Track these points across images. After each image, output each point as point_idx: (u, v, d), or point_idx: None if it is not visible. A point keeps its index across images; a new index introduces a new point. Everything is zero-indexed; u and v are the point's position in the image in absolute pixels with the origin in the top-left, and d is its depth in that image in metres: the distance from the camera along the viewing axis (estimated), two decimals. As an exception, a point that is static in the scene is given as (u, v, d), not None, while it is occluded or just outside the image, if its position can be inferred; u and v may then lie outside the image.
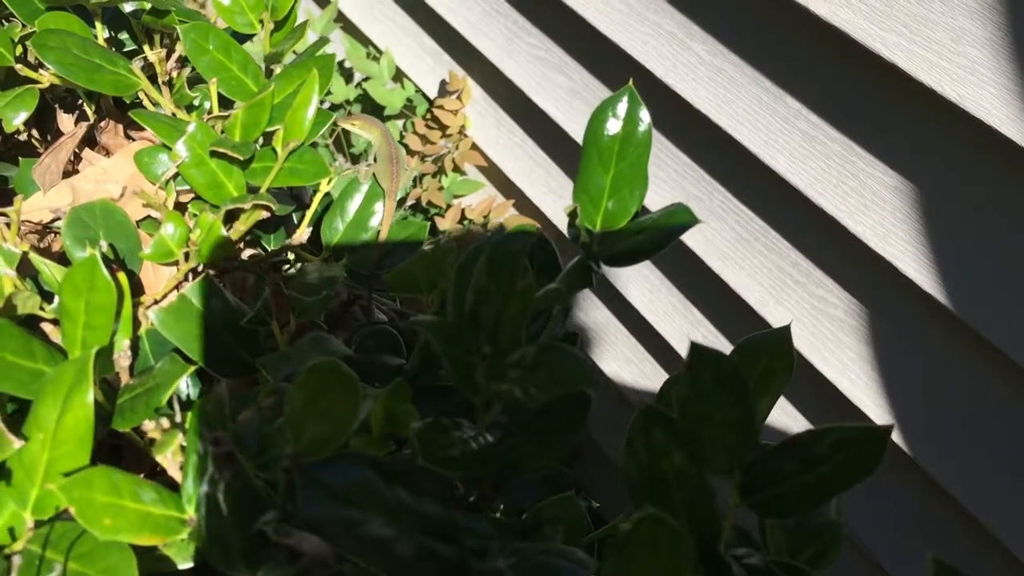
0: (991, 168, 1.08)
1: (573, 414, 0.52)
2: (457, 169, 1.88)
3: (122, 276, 0.58)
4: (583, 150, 0.63)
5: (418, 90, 1.95)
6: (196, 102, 0.72)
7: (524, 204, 1.76)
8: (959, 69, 1.07)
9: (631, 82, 0.62)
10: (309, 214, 0.72)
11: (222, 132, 0.67)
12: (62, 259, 0.70)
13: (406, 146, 1.87)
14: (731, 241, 1.38)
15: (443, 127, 1.86)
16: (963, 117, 1.05)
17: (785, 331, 0.65)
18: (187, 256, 0.63)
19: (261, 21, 0.72)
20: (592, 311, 1.63)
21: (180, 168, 0.65)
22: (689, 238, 1.40)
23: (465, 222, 1.85)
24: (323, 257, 0.72)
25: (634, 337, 1.58)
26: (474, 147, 1.86)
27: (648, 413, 0.49)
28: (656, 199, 1.44)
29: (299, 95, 0.65)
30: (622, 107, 0.62)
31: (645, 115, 0.62)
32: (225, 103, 0.72)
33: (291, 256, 0.72)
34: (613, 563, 0.38)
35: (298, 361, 0.58)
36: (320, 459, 0.50)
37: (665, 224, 0.61)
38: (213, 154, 0.65)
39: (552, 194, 1.70)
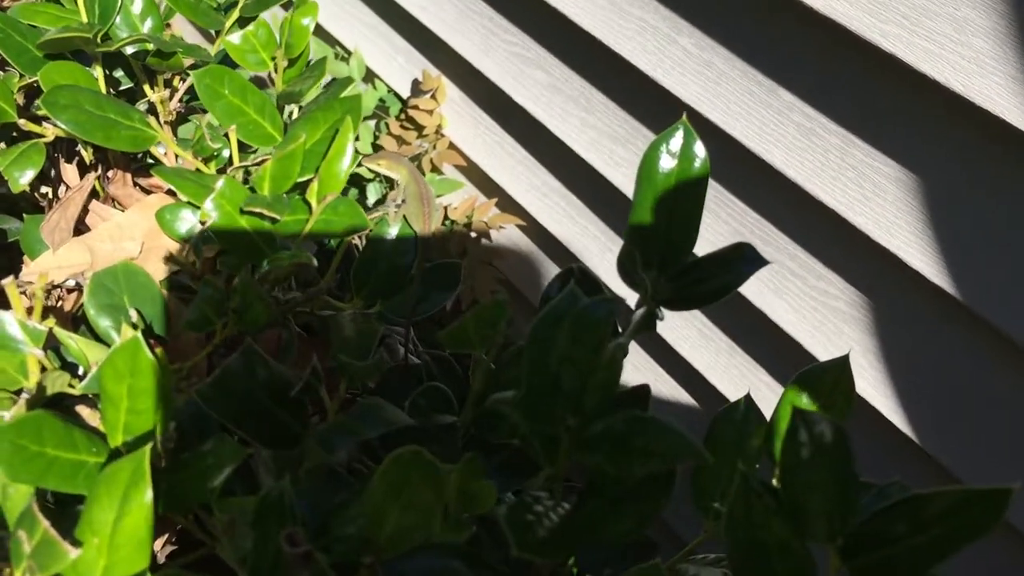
0: (998, 157, 1.07)
1: (661, 482, 0.49)
2: (435, 169, 1.85)
3: (160, 352, 0.54)
4: (637, 187, 0.60)
5: (390, 90, 1.91)
6: (216, 151, 0.68)
7: (507, 202, 1.73)
8: (963, 60, 1.05)
9: (684, 116, 0.60)
10: (336, 260, 0.68)
11: (246, 182, 0.63)
12: (75, 320, 0.66)
13: (380, 148, 1.82)
14: (726, 236, 1.36)
15: (419, 127, 1.82)
16: (968, 107, 1.03)
17: (843, 361, 0.63)
18: (224, 324, 0.60)
19: (274, 59, 0.68)
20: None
21: (210, 227, 0.61)
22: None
23: (447, 222, 1.81)
24: (355, 305, 0.68)
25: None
26: (452, 146, 1.82)
27: (748, 481, 0.47)
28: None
29: (334, 145, 0.61)
30: (676, 143, 0.59)
31: (701, 150, 0.59)
32: (242, 146, 0.68)
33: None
34: None
35: (356, 433, 0.55)
36: (403, 553, 0.47)
37: (729, 266, 0.58)
38: (244, 211, 0.61)
39: (535, 191, 1.67)
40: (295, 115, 0.69)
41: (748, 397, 0.69)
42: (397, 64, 1.85)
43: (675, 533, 1.31)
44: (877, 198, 1.20)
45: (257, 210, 0.60)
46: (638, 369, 1.56)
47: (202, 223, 0.61)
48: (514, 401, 0.48)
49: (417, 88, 1.83)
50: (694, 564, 0.67)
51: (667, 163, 0.59)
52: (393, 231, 0.69)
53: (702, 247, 1.40)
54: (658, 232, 0.60)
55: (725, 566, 0.67)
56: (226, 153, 0.68)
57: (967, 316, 1.12)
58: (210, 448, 0.54)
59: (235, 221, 0.62)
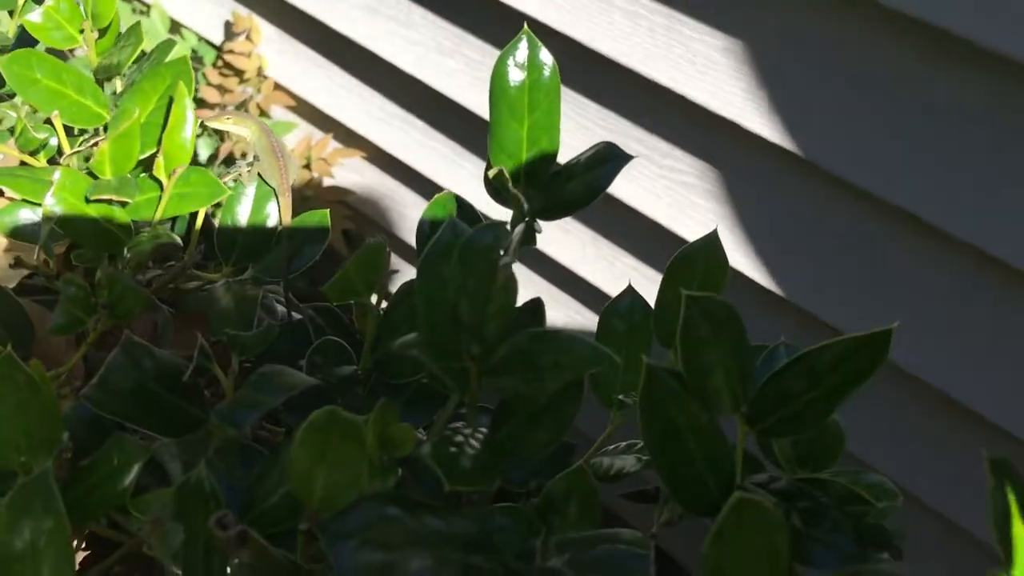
0: (819, 14, 1.11)
1: (571, 390, 0.51)
2: (263, 113, 1.79)
3: (36, 364, 0.51)
4: (492, 105, 0.60)
5: (201, 39, 1.82)
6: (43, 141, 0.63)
7: (346, 135, 1.69)
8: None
9: (526, 26, 0.59)
10: (195, 231, 0.66)
11: (85, 169, 0.59)
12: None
13: (202, 101, 1.75)
14: (570, 131, 1.37)
15: (239, 72, 1.75)
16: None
17: (713, 236, 0.65)
18: (96, 321, 0.57)
19: (82, 31, 0.64)
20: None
21: (57, 223, 0.57)
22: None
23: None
24: (225, 274, 0.66)
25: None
26: (277, 87, 1.76)
27: (654, 371, 0.49)
28: (482, 100, 1.41)
29: (172, 114, 0.58)
30: (522, 54, 0.59)
31: (547, 57, 0.59)
32: (67, 130, 0.64)
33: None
34: (716, 551, 0.37)
35: (260, 404, 0.54)
36: (338, 512, 0.47)
37: (595, 168, 0.59)
38: (90, 200, 0.57)
39: (373, 119, 1.64)
40: (119, 88, 0.65)
41: (631, 287, 0.71)
42: (205, 10, 1.76)
43: (581, 431, 1.35)
44: (710, 71, 1.23)
45: (105, 197, 0.57)
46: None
47: (47, 219, 0.57)
48: (417, 341, 0.48)
49: (230, 31, 1.75)
50: (607, 455, 0.70)
51: (517, 75, 0.59)
52: (250, 191, 0.67)
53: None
54: (520, 145, 0.60)
55: (637, 452, 0.69)
56: (53, 141, 0.64)
57: (806, 167, 1.17)
58: (112, 450, 0.52)
59: (82, 212, 0.58)
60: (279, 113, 1.80)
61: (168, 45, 0.64)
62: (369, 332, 0.60)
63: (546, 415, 0.52)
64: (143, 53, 0.65)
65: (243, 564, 0.46)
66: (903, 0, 1.02)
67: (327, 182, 1.71)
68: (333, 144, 1.73)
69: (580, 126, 1.37)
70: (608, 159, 0.59)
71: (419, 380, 0.63)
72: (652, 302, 0.64)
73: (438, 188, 1.58)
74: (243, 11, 1.74)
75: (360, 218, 1.73)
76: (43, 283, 0.63)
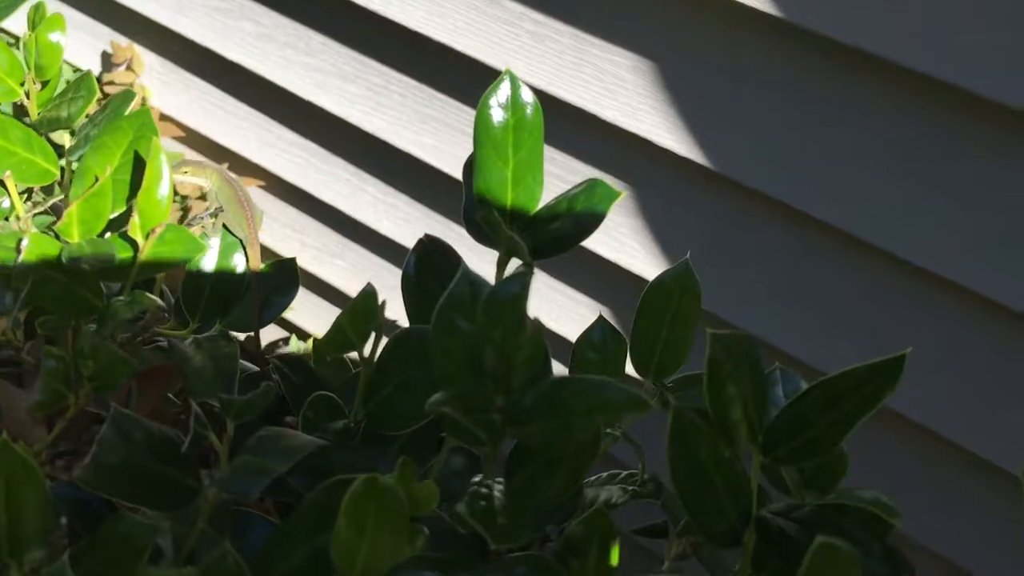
0: (726, 31, 1.14)
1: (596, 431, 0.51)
2: (151, 145, 1.71)
3: (22, 448, 0.48)
4: (476, 145, 0.59)
5: (76, 70, 1.74)
6: (-6, 205, 0.59)
7: (240, 164, 1.64)
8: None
9: (506, 68, 0.59)
10: (157, 286, 0.62)
11: (50, 230, 0.55)
12: None
13: (85, 135, 1.67)
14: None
15: (122, 104, 1.68)
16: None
17: (685, 265, 0.66)
18: (77, 394, 0.53)
19: (23, 84, 0.60)
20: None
21: (26, 295, 0.53)
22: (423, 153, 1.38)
23: (178, 199, 1.70)
24: (192, 330, 0.63)
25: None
26: (164, 117, 1.70)
27: (681, 413, 0.49)
28: (383, 123, 1.40)
29: (148, 171, 0.55)
30: (504, 94, 0.58)
31: (528, 96, 0.59)
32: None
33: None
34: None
35: (267, 470, 0.52)
36: (380, 582, 0.45)
37: (587, 205, 0.59)
38: (66, 267, 0.54)
39: (270, 147, 1.61)
40: (66, 143, 0.62)
41: (601, 317, 0.71)
42: (80, 40, 1.68)
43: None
44: (619, 89, 1.25)
45: (84, 263, 0.54)
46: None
47: (16, 288, 0.53)
48: (446, 398, 0.47)
49: (109, 62, 1.68)
50: (592, 487, 0.70)
51: (500, 115, 0.58)
52: (215, 243, 0.64)
53: (456, 167, 1.41)
54: (505, 185, 0.59)
55: (620, 482, 0.70)
56: (5, 203, 0.60)
57: (717, 180, 1.20)
58: (113, 533, 0.49)
59: (53, 280, 0.55)
60: (168, 144, 1.73)
61: (127, 96, 0.61)
62: (362, 384, 0.59)
63: (563, 461, 0.52)
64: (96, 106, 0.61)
65: (284, 644, 0.44)
66: (804, 15, 1.06)
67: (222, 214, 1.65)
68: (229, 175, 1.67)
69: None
70: (600, 196, 0.59)
71: (404, 433, 0.61)
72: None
73: (341, 214, 1.56)
74: (122, 41, 1.68)
75: (264, 251, 1.69)
76: (10, 356, 0.59)
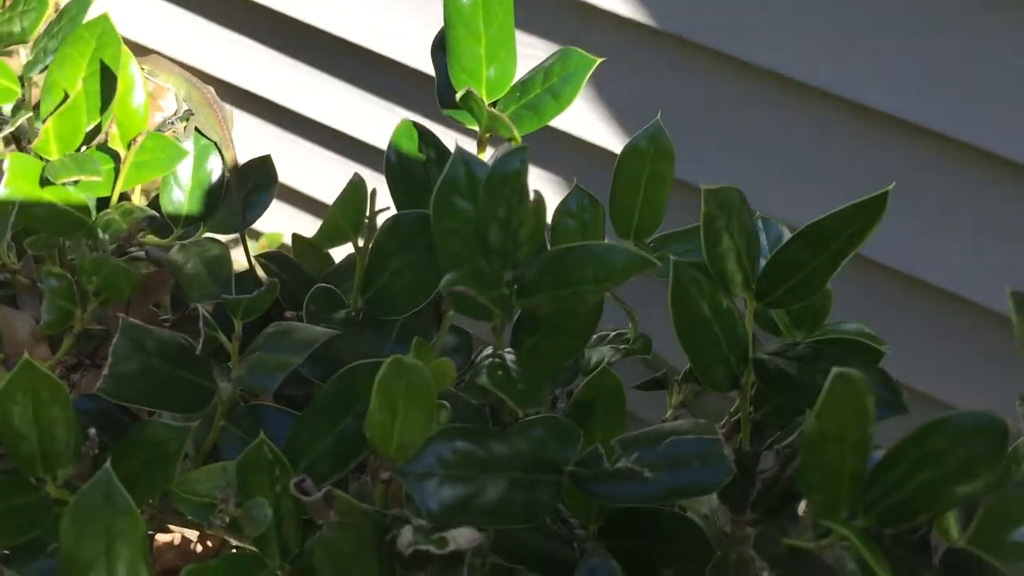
0: None
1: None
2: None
3: (43, 364, 0.48)
4: (447, 25, 0.59)
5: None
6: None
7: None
8: None
9: (470, -59, 0.58)
10: (136, 196, 0.62)
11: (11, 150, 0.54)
12: None
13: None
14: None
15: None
16: None
17: (657, 126, 0.67)
18: (84, 310, 0.53)
19: (-32, -1, 0.58)
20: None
21: (16, 214, 0.52)
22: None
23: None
24: (176, 237, 0.63)
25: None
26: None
27: (681, 266, 0.51)
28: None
29: (121, 80, 0.54)
30: None
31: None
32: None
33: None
34: (820, 423, 0.40)
35: (284, 364, 0.53)
36: (414, 456, 0.48)
37: (563, 75, 0.60)
38: (45, 182, 0.53)
39: (200, 45, 1.56)
40: (23, 59, 0.60)
41: (577, 185, 0.72)
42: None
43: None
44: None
45: (72, 178, 0.53)
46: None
47: (2, 210, 0.52)
48: (458, 278, 0.48)
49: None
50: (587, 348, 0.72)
51: None
52: (189, 146, 0.63)
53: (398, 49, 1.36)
54: (480, 62, 0.59)
55: (611, 342, 0.72)
56: (-29, 127, 0.58)
57: (663, 39, 1.20)
58: (147, 438, 0.50)
59: (39, 197, 0.54)
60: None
61: (83, 3, 0.59)
62: (358, 272, 0.60)
63: (567, 321, 0.54)
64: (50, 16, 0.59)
65: (332, 524, 0.46)
66: None
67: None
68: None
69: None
70: (576, 62, 0.59)
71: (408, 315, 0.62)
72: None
73: (255, 97, 1.52)
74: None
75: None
76: (4, 278, 0.58)
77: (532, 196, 0.49)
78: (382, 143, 1.43)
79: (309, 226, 1.58)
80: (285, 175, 1.61)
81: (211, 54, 1.51)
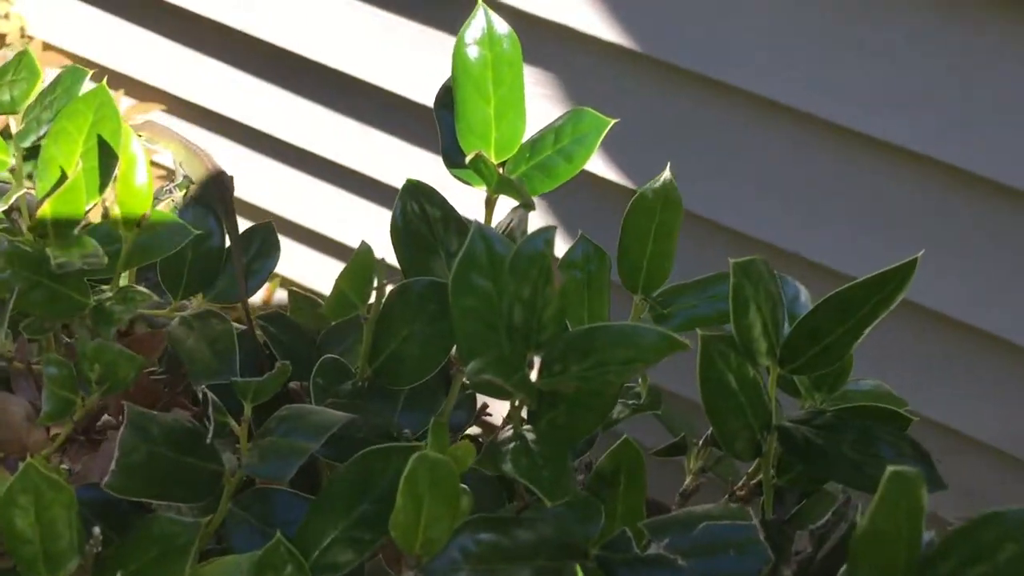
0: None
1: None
2: (37, 79, 1.61)
3: (43, 463, 0.46)
4: (456, 85, 0.57)
5: (-58, 6, 1.61)
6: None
7: (137, 88, 1.56)
8: None
9: (480, 2, 0.56)
10: (123, 266, 0.59)
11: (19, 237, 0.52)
12: None
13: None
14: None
15: None
16: None
17: (669, 182, 0.66)
18: (84, 399, 0.51)
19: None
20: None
21: (14, 303, 0.50)
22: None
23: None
24: (175, 308, 0.61)
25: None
26: (48, 47, 1.59)
27: (708, 339, 0.50)
28: (289, 30, 1.34)
29: (123, 159, 0.51)
30: (478, 29, 0.56)
31: (502, 27, 0.57)
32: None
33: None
34: (871, 524, 0.39)
35: (300, 449, 0.51)
36: (439, 552, 0.46)
37: (574, 136, 0.58)
38: (56, 273, 0.50)
39: (168, 70, 1.53)
40: (13, 128, 0.57)
41: (583, 235, 0.70)
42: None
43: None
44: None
45: (77, 267, 0.50)
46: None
47: (1, 300, 0.50)
48: (477, 367, 0.46)
49: (-21, -6, 1.56)
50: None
51: (476, 52, 0.56)
52: (188, 215, 0.61)
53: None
54: (489, 124, 0.58)
55: (620, 398, 0.71)
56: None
57: (643, 62, 1.19)
58: (155, 534, 0.48)
59: (40, 284, 0.51)
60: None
61: (78, 73, 0.56)
62: (366, 341, 0.58)
63: (588, 400, 0.52)
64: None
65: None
66: None
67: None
68: (126, 101, 1.59)
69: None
70: (588, 124, 0.58)
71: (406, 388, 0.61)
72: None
73: (248, 128, 1.50)
74: (-10, -32, 1.56)
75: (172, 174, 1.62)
76: (2, 366, 0.56)
77: (557, 278, 0.47)
78: (375, 173, 1.41)
79: (305, 257, 1.56)
80: (279, 206, 1.59)
81: (204, 87, 1.49)
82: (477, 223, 0.49)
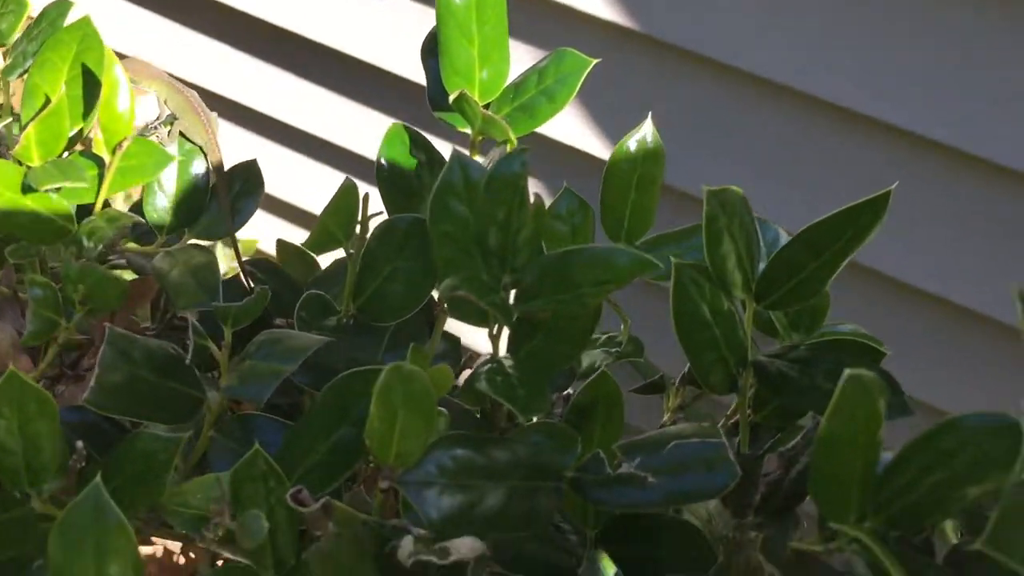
0: None
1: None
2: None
3: (28, 377, 0.47)
4: (440, 25, 0.58)
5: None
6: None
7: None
8: None
9: (461, -59, 0.57)
10: (119, 204, 0.60)
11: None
12: None
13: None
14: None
15: None
16: None
17: (647, 127, 0.67)
18: (69, 320, 0.52)
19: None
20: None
21: (-1, 226, 0.51)
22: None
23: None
24: (160, 244, 0.62)
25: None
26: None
27: (681, 268, 0.51)
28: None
29: (106, 84, 0.52)
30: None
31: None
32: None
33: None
34: (833, 424, 0.40)
35: (276, 372, 0.52)
36: (413, 465, 0.47)
37: (557, 77, 0.59)
38: (27, 189, 0.51)
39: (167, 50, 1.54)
40: (1, 63, 0.58)
41: (567, 188, 0.71)
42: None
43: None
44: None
45: (55, 185, 0.51)
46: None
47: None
48: (456, 283, 0.47)
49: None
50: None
51: None
52: (173, 151, 0.62)
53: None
54: (473, 64, 0.59)
55: (602, 346, 0.71)
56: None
57: (643, 41, 1.20)
58: (137, 450, 0.49)
59: (22, 205, 0.52)
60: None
61: (63, 6, 0.57)
62: (350, 278, 0.59)
63: (566, 326, 0.53)
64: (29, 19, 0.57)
65: (330, 535, 0.45)
66: None
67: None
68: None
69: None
70: (570, 64, 0.59)
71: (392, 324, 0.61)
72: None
73: (237, 105, 1.50)
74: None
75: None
76: (-16, 290, 0.57)
77: (532, 199, 0.48)
78: (369, 152, 1.42)
79: (288, 233, 1.56)
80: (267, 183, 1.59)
81: (193, 62, 1.50)
82: (456, 150, 0.50)
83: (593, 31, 1.21)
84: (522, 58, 1.30)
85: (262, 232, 1.49)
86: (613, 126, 1.28)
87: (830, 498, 0.41)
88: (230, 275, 0.68)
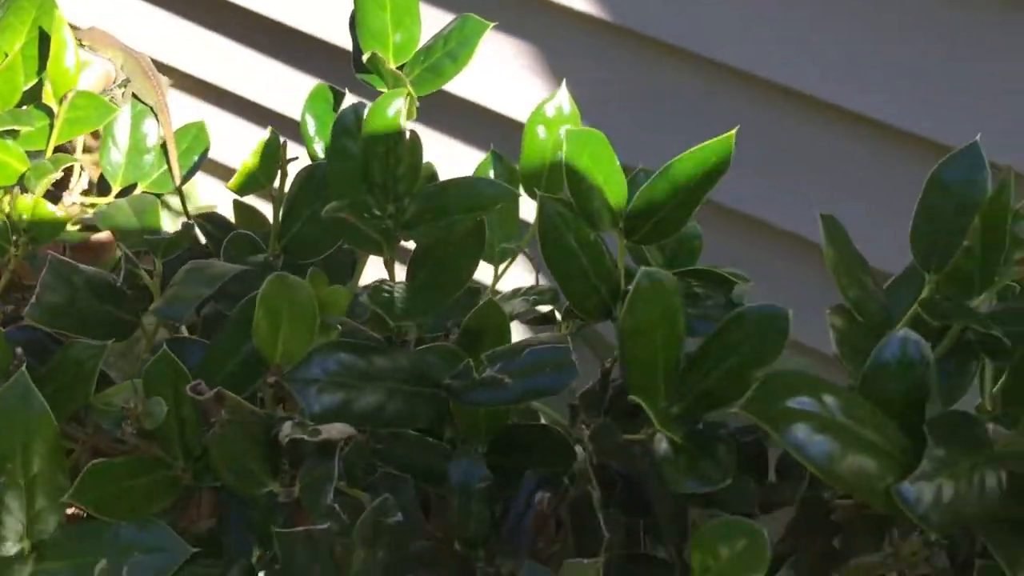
0: None
1: (474, 233, 0.58)
2: None
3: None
4: (355, -5, 0.65)
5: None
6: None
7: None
8: None
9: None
10: (79, 160, 0.68)
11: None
12: None
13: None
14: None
15: None
16: None
17: (560, 90, 0.72)
18: (16, 246, 0.60)
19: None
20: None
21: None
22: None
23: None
24: (115, 196, 0.70)
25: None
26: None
27: (545, 200, 0.57)
28: None
29: (54, 41, 0.60)
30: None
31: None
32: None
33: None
34: (631, 317, 0.46)
35: (195, 296, 0.59)
36: (298, 364, 0.53)
37: (460, 39, 0.66)
38: (-15, 135, 0.59)
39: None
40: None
41: (493, 151, 0.77)
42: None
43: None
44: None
45: (8, 127, 0.59)
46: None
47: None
48: (342, 205, 0.54)
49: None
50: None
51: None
52: (126, 110, 0.70)
53: None
54: (386, 28, 0.66)
55: (523, 295, 0.78)
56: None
57: (621, 33, 1.24)
58: (69, 357, 0.56)
59: (-21, 150, 0.60)
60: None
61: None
62: (275, 219, 0.66)
63: (455, 257, 0.60)
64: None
65: (222, 421, 0.51)
66: None
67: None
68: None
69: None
70: (471, 28, 0.66)
71: (325, 258, 0.68)
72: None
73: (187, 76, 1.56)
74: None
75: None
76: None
77: (407, 135, 0.54)
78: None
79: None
80: (216, 150, 1.63)
81: (145, 33, 1.54)
82: (351, 98, 0.57)
83: (571, 23, 1.26)
84: (507, 50, 1.36)
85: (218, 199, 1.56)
86: (590, 117, 1.33)
87: (640, 385, 0.47)
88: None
